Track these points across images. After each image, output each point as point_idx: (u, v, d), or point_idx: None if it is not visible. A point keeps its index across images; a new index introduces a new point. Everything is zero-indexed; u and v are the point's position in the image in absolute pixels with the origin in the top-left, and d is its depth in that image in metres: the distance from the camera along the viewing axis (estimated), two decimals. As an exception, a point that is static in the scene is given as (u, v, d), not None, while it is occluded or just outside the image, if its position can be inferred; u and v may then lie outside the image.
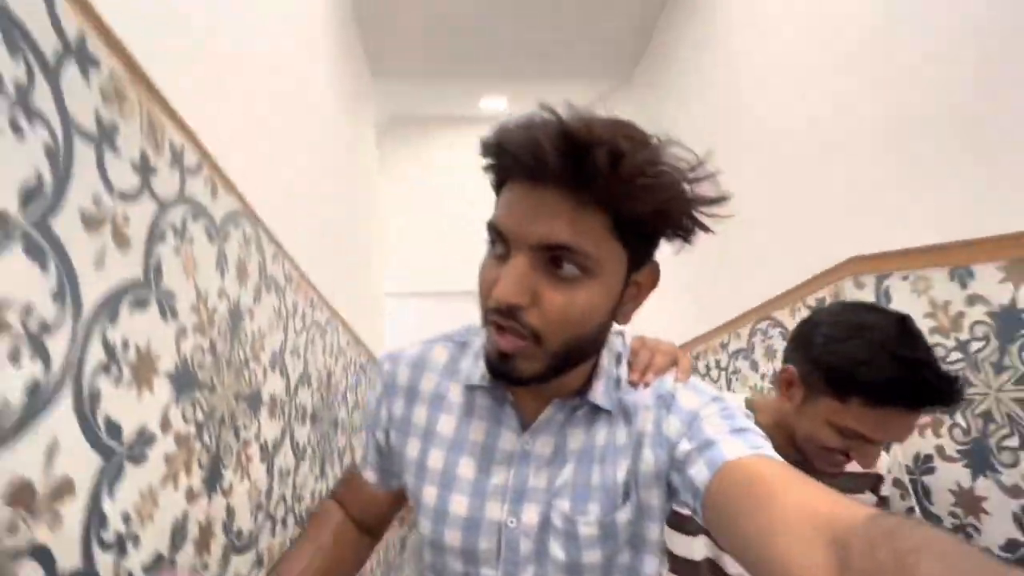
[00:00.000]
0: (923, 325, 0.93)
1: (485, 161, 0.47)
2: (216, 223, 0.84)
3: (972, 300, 1.00)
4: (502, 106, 3.85)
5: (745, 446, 0.43)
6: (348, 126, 2.33)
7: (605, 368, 0.53)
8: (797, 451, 0.77)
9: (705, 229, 0.45)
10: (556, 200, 0.41)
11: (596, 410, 0.53)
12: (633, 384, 0.53)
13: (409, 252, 4.20)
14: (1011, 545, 0.95)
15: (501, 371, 0.47)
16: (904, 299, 1.16)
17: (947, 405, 0.65)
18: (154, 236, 0.66)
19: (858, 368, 0.66)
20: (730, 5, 2.03)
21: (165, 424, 0.66)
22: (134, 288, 0.61)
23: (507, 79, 3.12)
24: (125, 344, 0.59)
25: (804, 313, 1.51)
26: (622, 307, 0.48)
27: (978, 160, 1.02)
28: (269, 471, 1.02)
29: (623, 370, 0.55)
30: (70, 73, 0.52)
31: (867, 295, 1.25)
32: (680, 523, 0.84)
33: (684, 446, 0.46)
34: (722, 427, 0.46)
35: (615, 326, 0.52)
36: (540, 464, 0.53)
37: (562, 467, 0.52)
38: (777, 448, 0.74)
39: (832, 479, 0.79)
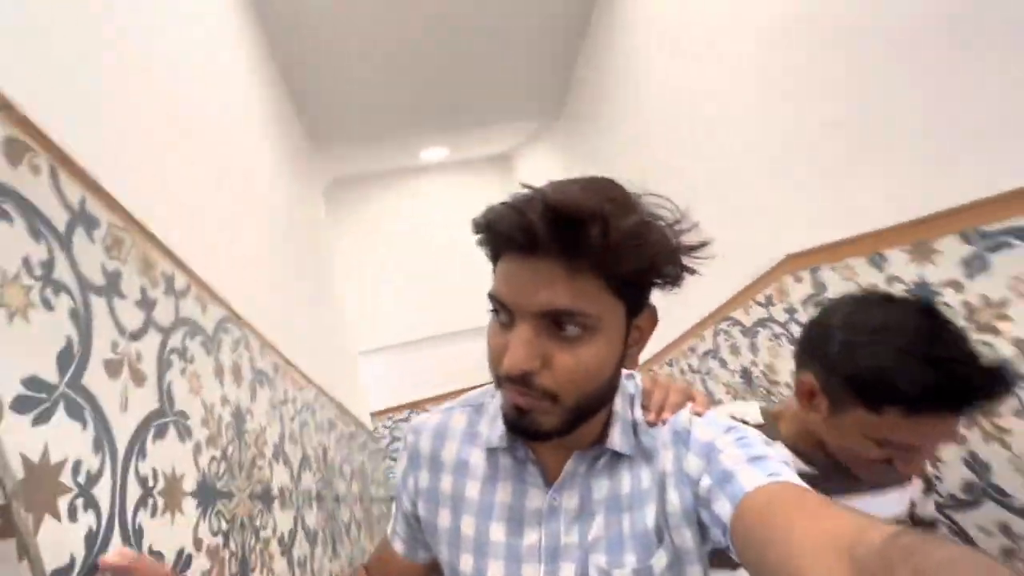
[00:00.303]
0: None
1: (478, 237, 0.48)
2: (209, 335, 0.88)
3: (891, 281, 1.15)
4: (443, 155, 3.98)
5: (763, 474, 0.43)
6: (300, 202, 2.37)
7: (620, 413, 0.54)
8: (828, 456, 0.71)
9: (692, 272, 0.46)
10: (550, 268, 0.42)
11: (617, 456, 0.53)
12: (651, 424, 0.53)
13: (372, 308, 4.20)
14: (968, 487, 1.07)
15: (520, 427, 0.47)
16: (837, 287, 1.30)
17: (995, 400, 0.57)
18: (163, 365, 0.70)
19: (888, 377, 0.59)
20: (643, 28, 2.20)
21: (198, 542, 0.69)
22: (154, 418, 0.65)
23: (445, 131, 3.25)
24: (155, 474, 0.62)
25: (756, 310, 1.65)
26: (628, 352, 0.49)
27: (878, 159, 1.18)
28: (289, 564, 1.03)
29: (638, 412, 0.55)
30: (79, 238, 0.57)
31: (805, 288, 1.40)
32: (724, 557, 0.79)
33: (705, 481, 0.46)
34: (739, 457, 0.45)
35: (624, 370, 0.51)
36: (569, 519, 0.52)
37: (592, 520, 0.52)
38: (808, 456, 0.71)
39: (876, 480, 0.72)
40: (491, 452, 0.57)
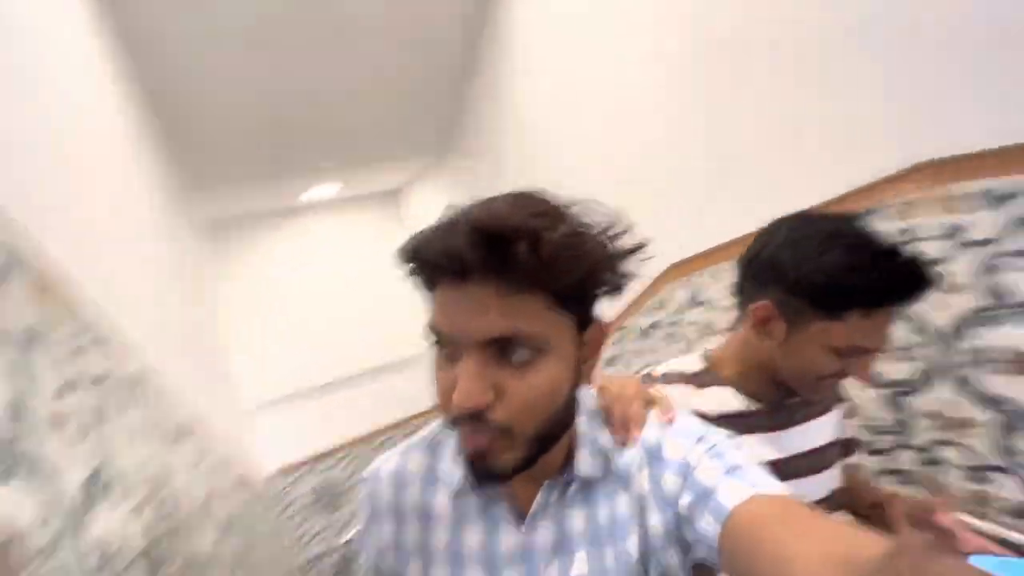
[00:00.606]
0: (728, 306, 1.27)
1: (408, 267, 0.45)
2: (130, 387, 0.80)
3: (752, 278, 1.41)
4: (334, 192, 3.87)
5: (744, 486, 0.42)
6: (178, 249, 2.17)
7: (586, 435, 0.51)
8: (778, 387, 0.73)
9: (633, 277, 0.46)
10: (486, 293, 0.40)
11: (588, 482, 0.50)
12: (622, 445, 0.51)
13: (262, 357, 3.87)
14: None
15: (482, 471, 0.44)
16: (712, 289, 1.56)
17: (931, 289, 0.63)
18: (98, 417, 0.64)
19: (848, 280, 0.62)
20: (527, 65, 2.39)
21: (151, 610, 0.63)
22: (98, 473, 0.59)
23: (336, 168, 3.19)
24: (106, 534, 0.57)
25: (651, 316, 1.88)
26: (582, 368, 0.47)
27: (741, 171, 1.45)
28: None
29: (605, 435, 0.52)
30: (16, 280, 0.52)
31: (687, 291, 1.65)
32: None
33: (685, 499, 0.45)
34: (715, 470, 0.44)
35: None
36: (547, 555, 0.49)
37: (572, 555, 0.49)
38: (754, 393, 0.75)
39: (815, 404, 0.77)
40: (455, 493, 0.52)
